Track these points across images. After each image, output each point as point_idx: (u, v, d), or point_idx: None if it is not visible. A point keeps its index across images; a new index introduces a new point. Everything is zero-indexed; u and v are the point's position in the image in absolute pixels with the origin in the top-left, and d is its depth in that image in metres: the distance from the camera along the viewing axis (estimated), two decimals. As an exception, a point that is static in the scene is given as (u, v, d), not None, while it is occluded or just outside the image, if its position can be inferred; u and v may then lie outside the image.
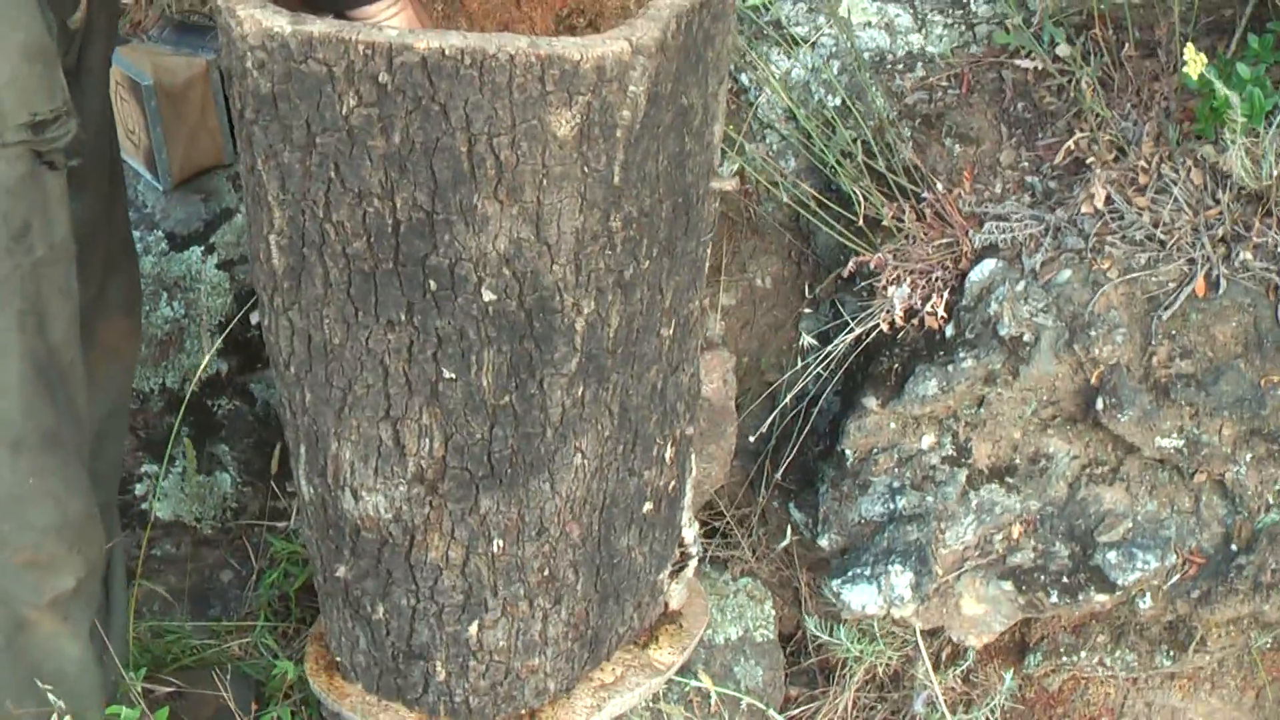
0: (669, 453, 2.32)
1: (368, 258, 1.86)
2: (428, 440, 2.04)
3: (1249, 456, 2.50)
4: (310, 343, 1.99)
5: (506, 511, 2.12)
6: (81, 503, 2.17)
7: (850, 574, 2.65)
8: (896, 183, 2.76)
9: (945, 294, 2.61)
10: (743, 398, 3.07)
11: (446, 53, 1.68)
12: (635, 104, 1.79)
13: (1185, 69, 2.30)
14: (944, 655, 2.90)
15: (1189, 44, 2.32)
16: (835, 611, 2.76)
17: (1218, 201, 2.56)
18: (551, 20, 2.28)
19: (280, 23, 1.70)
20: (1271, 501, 2.51)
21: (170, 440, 3.00)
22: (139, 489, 3.10)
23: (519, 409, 2.01)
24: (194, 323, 3.02)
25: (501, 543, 2.15)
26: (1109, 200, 2.59)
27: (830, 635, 2.86)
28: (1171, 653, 2.69)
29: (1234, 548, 2.54)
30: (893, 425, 2.67)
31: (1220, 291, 2.51)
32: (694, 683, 2.64)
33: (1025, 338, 2.54)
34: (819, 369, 2.79)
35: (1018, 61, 2.93)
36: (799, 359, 2.90)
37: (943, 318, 2.62)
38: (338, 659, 2.40)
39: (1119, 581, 2.53)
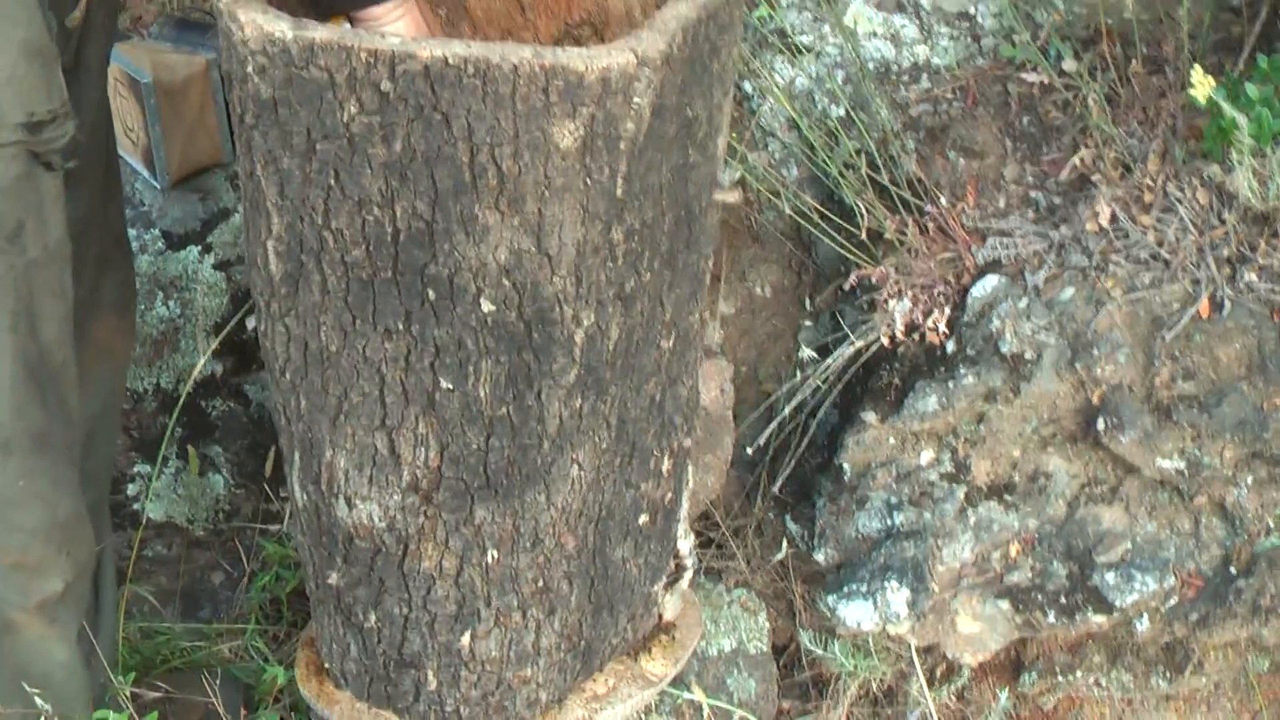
0: (666, 465, 2.30)
1: (366, 266, 1.84)
2: (423, 450, 2.02)
3: (1250, 479, 2.49)
4: (307, 350, 1.97)
5: (501, 522, 2.10)
6: (70, 505, 2.15)
7: (846, 590, 2.63)
8: (899, 195, 2.74)
9: (947, 309, 2.60)
10: (740, 407, 3.05)
11: (450, 61, 1.66)
12: (639, 116, 1.77)
13: (1193, 90, 2.28)
14: (939, 672, 2.88)
15: (1196, 65, 2.31)
16: (830, 625, 2.75)
17: (1223, 222, 2.55)
18: (556, 29, 2.26)
19: (282, 28, 1.68)
20: (1272, 525, 2.49)
21: (164, 441, 2.98)
22: (131, 489, 3.08)
23: (516, 420, 2.00)
24: (189, 323, 3.00)
25: (496, 553, 2.13)
26: (1114, 218, 2.57)
27: (825, 650, 2.84)
28: (1168, 674, 2.68)
29: (1233, 570, 2.52)
30: (891, 440, 2.65)
31: (1224, 313, 2.50)
32: (686, 695, 2.63)
33: (1027, 355, 2.53)
34: (818, 381, 2.77)
35: (1024, 75, 2.91)
36: (798, 371, 2.89)
37: (944, 333, 2.61)
38: (328, 665, 2.38)
39: (1117, 602, 2.52)
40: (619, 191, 1.83)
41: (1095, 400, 2.51)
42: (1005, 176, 2.77)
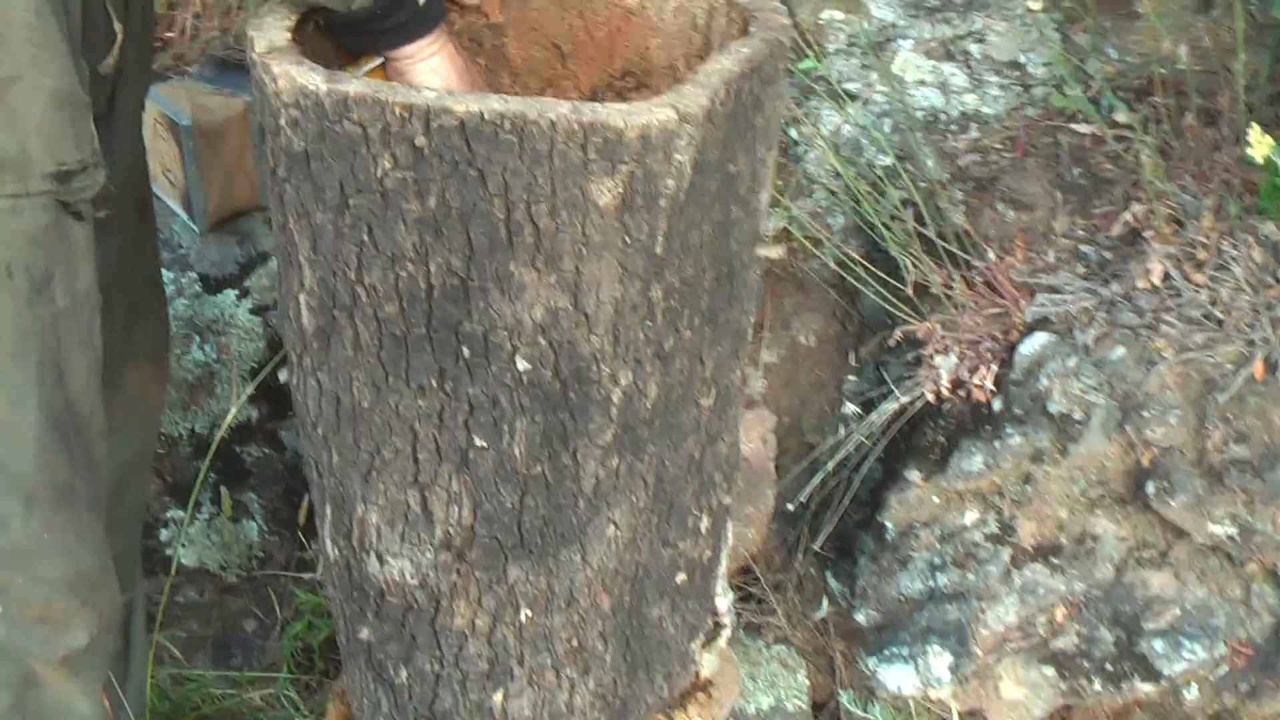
0: (705, 523, 2.26)
1: (400, 322, 1.81)
2: (457, 507, 1.98)
3: (1303, 547, 2.44)
4: (339, 405, 1.93)
5: (535, 581, 2.06)
6: (96, 558, 2.12)
7: (887, 652, 2.59)
8: (945, 249, 2.70)
9: (994, 366, 2.55)
10: (782, 459, 3.00)
11: (486, 117, 1.62)
12: (680, 173, 1.73)
13: (1250, 150, 2.23)
14: (980, 735, 2.83)
15: (1254, 125, 2.26)
16: (871, 685, 2.70)
17: (1279, 281, 2.49)
18: (598, 79, 2.22)
19: (316, 81, 1.65)
20: (1326, 594, 2.45)
21: (197, 486, 2.95)
22: (164, 534, 3.06)
23: (551, 479, 1.95)
24: (225, 368, 2.97)
25: (530, 612, 2.09)
26: (1166, 276, 2.53)
27: (865, 711, 2.78)
28: (1217, 746, 2.62)
29: (1285, 640, 2.47)
30: (935, 500, 2.61)
31: (1279, 375, 2.45)
32: (723, 753, 2.58)
33: (1075, 416, 2.48)
34: (861, 436, 2.72)
35: (1075, 126, 2.87)
36: (840, 426, 2.84)
37: (991, 391, 2.56)
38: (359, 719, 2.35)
39: (1165, 671, 2.47)
40: (659, 249, 1.78)
41: (1145, 463, 2.46)
42: (1055, 230, 2.72)
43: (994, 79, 3.01)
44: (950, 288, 2.65)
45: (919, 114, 2.98)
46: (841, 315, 3.09)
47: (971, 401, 2.60)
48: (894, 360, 2.84)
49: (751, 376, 3.09)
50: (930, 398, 2.63)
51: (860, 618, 2.67)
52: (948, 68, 3.04)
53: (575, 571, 2.07)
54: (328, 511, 2.10)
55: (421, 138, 1.64)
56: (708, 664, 2.49)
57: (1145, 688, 2.49)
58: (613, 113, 1.64)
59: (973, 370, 2.58)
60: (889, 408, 2.66)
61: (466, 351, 1.82)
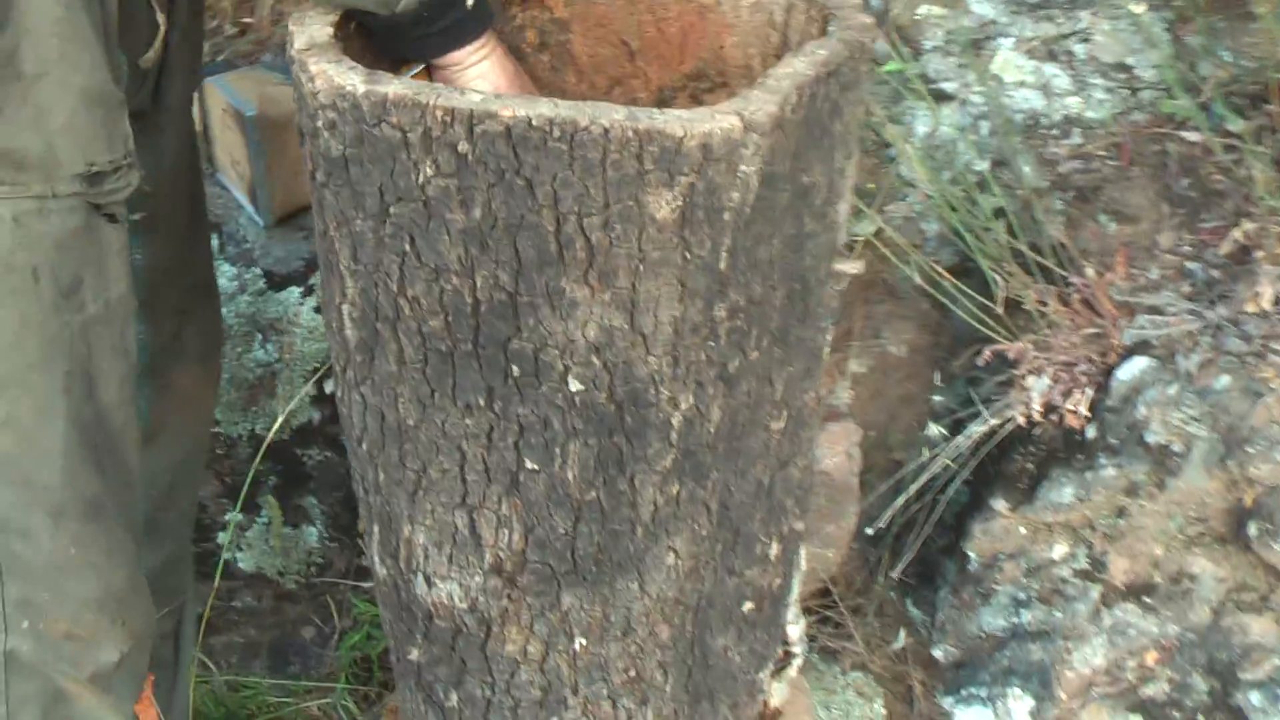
0: (775, 551, 2.15)
1: (445, 337, 1.70)
2: (506, 531, 1.88)
3: None
4: (384, 421, 1.84)
5: (590, 609, 1.96)
6: (126, 574, 2.06)
7: (964, 692, 2.47)
8: (1040, 263, 2.56)
9: (1089, 391, 2.41)
10: (867, 474, 2.89)
11: (533, 123, 1.51)
12: (746, 185, 1.61)
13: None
14: (1064, 782, 2.70)
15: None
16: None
17: (1398, 310, 2.35)
18: (669, 79, 2.10)
19: (354, 81, 1.55)
20: None
21: (245, 489, 2.87)
22: (221, 537, 2.98)
23: (606, 505, 1.85)
24: (287, 368, 2.89)
25: (584, 640, 1.99)
26: (1276, 300, 2.38)
27: (941, 750, 2.67)
28: (1314, 804, 2.48)
29: (1393, 694, 2.33)
30: (1022, 531, 2.48)
31: (1395, 412, 2.30)
32: (793, 786, 2.48)
33: (1175, 448, 2.34)
34: (948, 459, 2.60)
35: (1184, 134, 2.72)
36: (924, 449, 2.71)
37: (1085, 417, 2.43)
38: (411, 740, 2.27)
39: (1262, 725, 2.33)
40: (722, 265, 1.66)
41: (1248, 501, 2.32)
42: (1160, 245, 2.57)
43: (1099, 81, 2.87)
44: (1044, 305, 2.51)
45: (1019, 117, 2.84)
46: (934, 325, 2.97)
47: (1064, 427, 2.47)
48: (985, 377, 2.71)
49: (838, 387, 2.99)
50: (1021, 421, 2.49)
51: (938, 653, 2.56)
52: (1050, 68, 2.90)
53: (632, 600, 1.97)
54: (375, 529, 2.02)
55: (465, 144, 1.53)
56: (777, 693, 2.40)
57: (1240, 742, 2.36)
58: (671, 120, 1.52)
59: (1066, 394, 2.44)
60: (977, 430, 2.53)
61: (516, 370, 1.72)
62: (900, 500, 2.69)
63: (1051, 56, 2.94)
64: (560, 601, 1.94)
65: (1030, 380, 2.45)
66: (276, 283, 2.93)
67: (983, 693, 2.45)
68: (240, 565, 3.00)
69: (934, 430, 2.73)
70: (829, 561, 2.69)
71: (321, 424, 2.94)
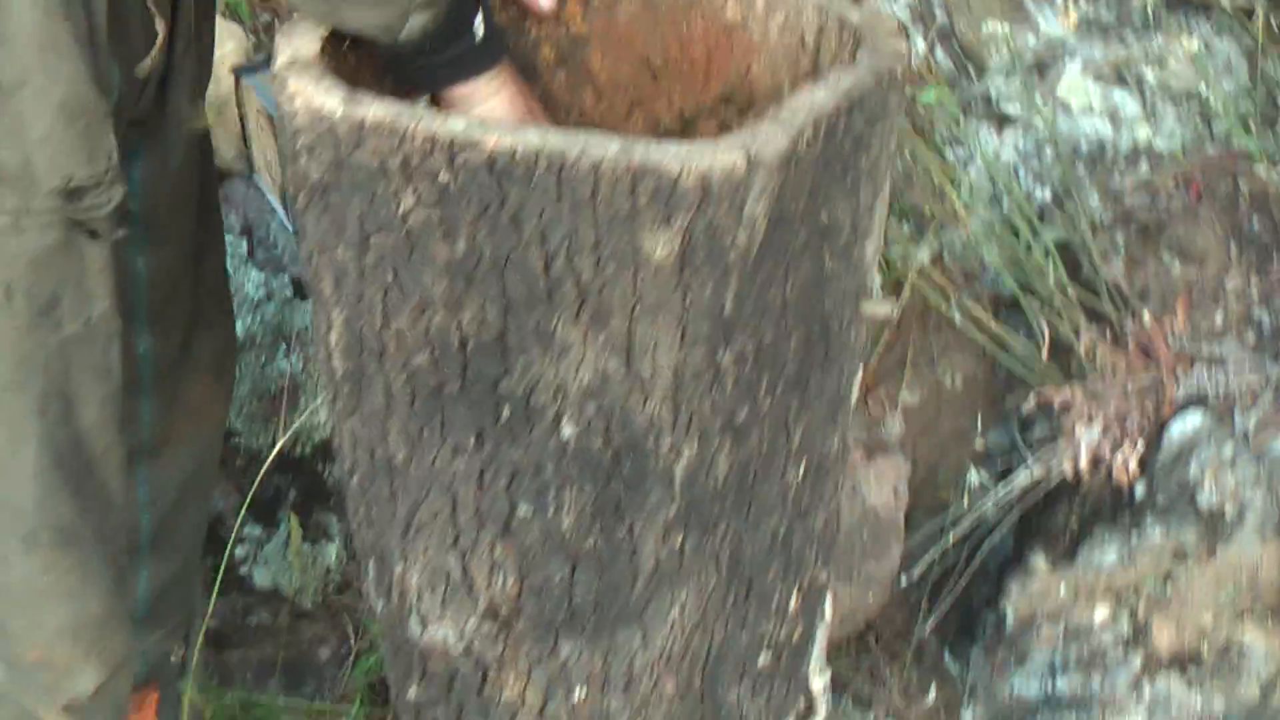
0: (794, 603, 2.03)
1: (432, 374, 1.61)
2: (501, 576, 1.79)
3: None
4: (373, 456, 1.75)
5: (590, 660, 1.86)
6: (102, 602, 2.00)
7: (994, 762, 2.35)
8: (1092, 307, 2.43)
9: (1140, 445, 2.28)
10: (914, 512, 2.76)
11: (518, 155, 1.40)
12: (752, 226, 1.49)
13: None
14: None
15: None
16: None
17: None
18: (694, 101, 1.99)
19: (331, 103, 1.45)
20: None
21: (244, 505, 2.79)
22: (239, 552, 2.91)
23: (605, 555, 1.75)
24: (311, 379, 2.81)
25: (584, 691, 1.90)
26: (1347, 356, 2.25)
27: (975, 815, 2.54)
28: None
29: None
30: (1062, 591, 2.35)
31: None
32: (815, 844, 2.37)
33: (1228, 512, 2.22)
34: (990, 507, 2.47)
35: (1259, 170, 2.58)
36: (965, 496, 2.58)
37: (1134, 473, 2.30)
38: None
39: (1310, 812, 2.19)
40: (727, 310, 1.55)
41: (1304, 572, 2.19)
42: (1226, 288, 2.43)
43: (1170, 109, 2.74)
44: (1094, 351, 2.38)
45: (1084, 144, 2.71)
46: (990, 357, 2.84)
47: (1112, 483, 2.34)
48: (1038, 414, 2.59)
49: (889, 419, 2.88)
50: (1068, 472, 2.36)
51: (967, 717, 2.43)
52: (1118, 94, 2.76)
53: (635, 653, 1.87)
54: (370, 565, 1.93)
55: (445, 173, 1.43)
56: (800, 746, 2.29)
57: (1285, 828, 2.23)
58: (667, 155, 1.41)
59: (1115, 447, 2.31)
60: (1021, 481, 2.40)
61: (506, 411, 1.62)
62: (937, 550, 2.57)
63: (1121, 81, 2.81)
64: (559, 650, 1.85)
65: (1079, 430, 2.32)
66: (304, 291, 2.85)
67: (1012, 763, 2.33)
68: (257, 581, 2.92)
69: (973, 477, 2.61)
70: (869, 605, 2.56)
71: (344, 439, 2.86)
